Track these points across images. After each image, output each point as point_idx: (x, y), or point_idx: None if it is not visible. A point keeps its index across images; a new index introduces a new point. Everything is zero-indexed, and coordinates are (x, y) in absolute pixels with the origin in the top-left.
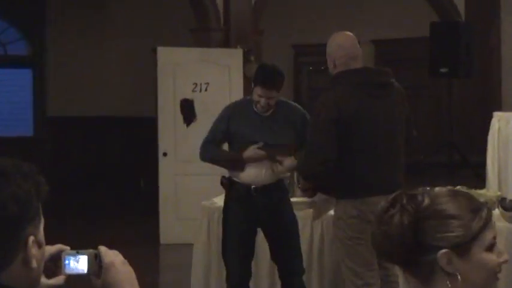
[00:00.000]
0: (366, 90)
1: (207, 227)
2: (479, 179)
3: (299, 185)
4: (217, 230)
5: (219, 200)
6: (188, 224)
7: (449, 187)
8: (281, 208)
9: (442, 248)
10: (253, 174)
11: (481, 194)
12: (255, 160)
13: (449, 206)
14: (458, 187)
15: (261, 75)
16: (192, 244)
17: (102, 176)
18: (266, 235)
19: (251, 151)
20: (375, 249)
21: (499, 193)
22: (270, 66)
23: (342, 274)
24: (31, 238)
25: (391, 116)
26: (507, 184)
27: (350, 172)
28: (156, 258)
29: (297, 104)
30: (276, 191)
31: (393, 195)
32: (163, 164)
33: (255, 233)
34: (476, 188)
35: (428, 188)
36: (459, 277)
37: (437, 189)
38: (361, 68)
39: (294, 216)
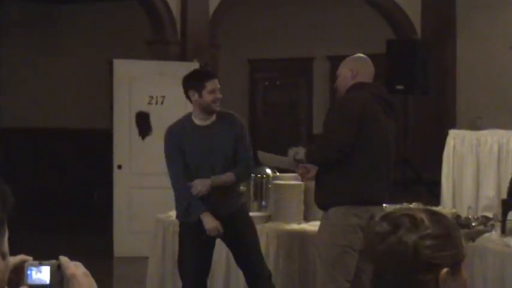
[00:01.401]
0: (381, 104)
1: (162, 240)
2: (433, 196)
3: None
4: (172, 243)
5: (175, 214)
6: (142, 237)
7: (423, 206)
8: (238, 215)
9: (442, 266)
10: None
11: None
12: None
13: (444, 226)
14: (413, 204)
15: (203, 72)
16: (146, 257)
17: (55, 188)
18: (227, 243)
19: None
20: (378, 268)
21: (454, 210)
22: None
23: (317, 281)
24: None
25: (393, 135)
26: (461, 202)
27: (357, 177)
28: (110, 271)
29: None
30: (232, 200)
31: (387, 214)
32: (118, 177)
33: (212, 246)
34: (430, 205)
35: (406, 207)
36: None
37: (419, 209)
38: (377, 84)
39: (251, 221)
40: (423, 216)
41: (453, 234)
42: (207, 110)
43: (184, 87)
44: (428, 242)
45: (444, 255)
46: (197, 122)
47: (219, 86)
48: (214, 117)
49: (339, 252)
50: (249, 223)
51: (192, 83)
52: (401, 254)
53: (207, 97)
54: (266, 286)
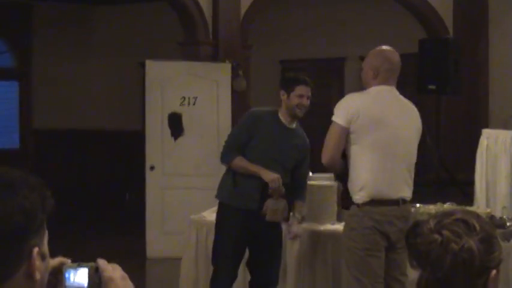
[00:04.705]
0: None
1: (195, 241)
2: (466, 197)
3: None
4: (206, 244)
5: (208, 215)
6: (175, 238)
7: (457, 206)
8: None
9: (491, 269)
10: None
11: None
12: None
13: (489, 228)
14: (447, 204)
15: (296, 76)
16: (179, 258)
17: (87, 189)
18: (251, 241)
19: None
20: (440, 276)
21: (488, 210)
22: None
23: (346, 285)
24: (35, 250)
25: (410, 136)
26: (495, 202)
27: (366, 178)
28: (143, 273)
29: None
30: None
31: (439, 221)
32: (150, 178)
33: (247, 241)
34: (464, 205)
35: (439, 207)
36: None
37: (464, 211)
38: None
39: (281, 230)
40: (473, 220)
41: (495, 235)
42: (290, 112)
43: (279, 85)
44: (482, 246)
45: (493, 257)
46: (282, 119)
47: (309, 94)
48: (294, 126)
49: (361, 256)
50: (280, 232)
51: (285, 83)
52: (466, 261)
53: (294, 100)
54: None
